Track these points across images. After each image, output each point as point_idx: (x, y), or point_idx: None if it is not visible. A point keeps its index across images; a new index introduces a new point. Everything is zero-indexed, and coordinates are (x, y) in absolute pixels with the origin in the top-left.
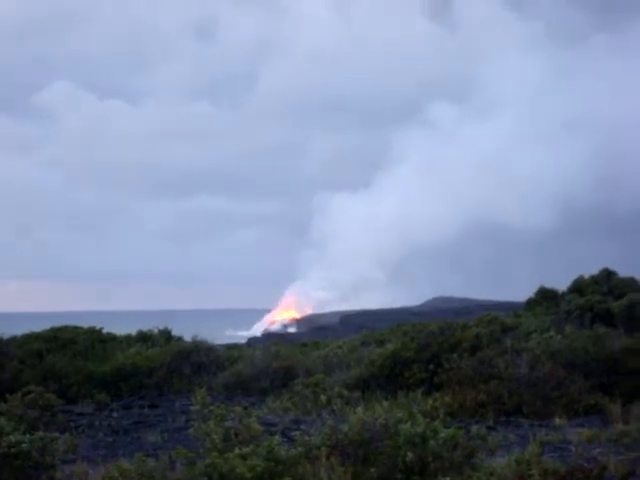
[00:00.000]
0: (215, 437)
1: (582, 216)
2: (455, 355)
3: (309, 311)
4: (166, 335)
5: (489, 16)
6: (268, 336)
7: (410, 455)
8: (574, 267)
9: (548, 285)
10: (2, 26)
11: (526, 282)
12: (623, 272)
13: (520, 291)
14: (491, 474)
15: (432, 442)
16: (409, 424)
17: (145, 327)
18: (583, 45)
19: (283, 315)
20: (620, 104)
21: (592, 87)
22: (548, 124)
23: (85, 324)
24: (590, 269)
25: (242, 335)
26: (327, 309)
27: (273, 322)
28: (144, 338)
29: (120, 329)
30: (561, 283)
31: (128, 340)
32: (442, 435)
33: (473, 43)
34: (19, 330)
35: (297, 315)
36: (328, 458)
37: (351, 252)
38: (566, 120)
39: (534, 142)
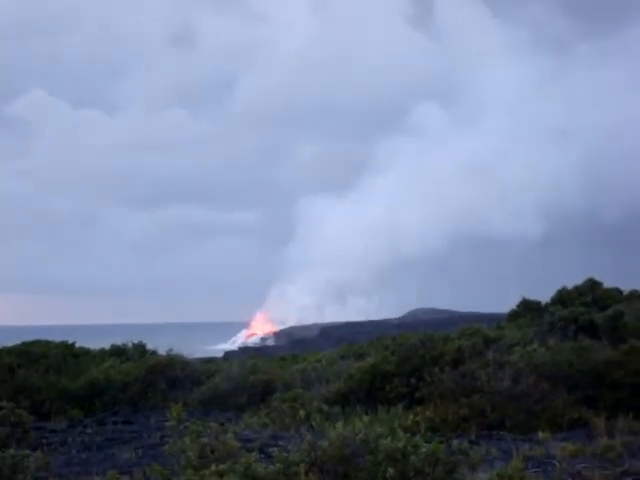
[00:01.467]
0: (191, 454)
1: (568, 224)
2: (437, 368)
3: (289, 323)
4: (140, 349)
5: (472, 23)
6: (245, 350)
7: (391, 471)
8: (560, 277)
9: (533, 296)
10: None
11: (511, 293)
12: (610, 280)
13: (505, 302)
14: None
15: (413, 457)
16: (390, 439)
17: (120, 341)
18: (568, 52)
19: (261, 328)
20: (606, 111)
21: (578, 94)
22: (534, 131)
23: (57, 338)
24: (576, 278)
25: (220, 349)
26: (308, 318)
27: (251, 335)
28: (118, 352)
29: (94, 343)
30: (547, 293)
31: (102, 354)
32: (423, 450)
33: (457, 50)
34: None
35: (274, 328)
36: (307, 475)
37: (333, 261)
38: (552, 127)
39: (520, 149)
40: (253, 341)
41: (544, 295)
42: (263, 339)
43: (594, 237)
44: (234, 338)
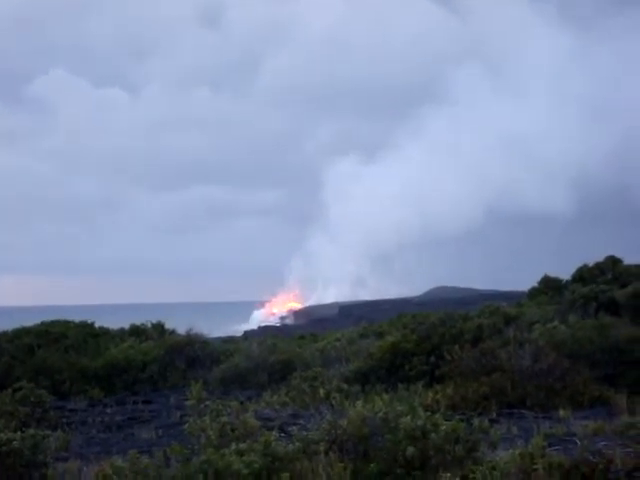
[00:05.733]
0: (211, 433)
1: (600, 202)
2: (457, 347)
3: (310, 301)
4: (159, 329)
5: (501, 2)
6: (265, 329)
7: (411, 449)
8: (588, 254)
9: (558, 274)
10: (5, 16)
11: (536, 271)
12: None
13: (529, 280)
14: (494, 468)
15: (433, 435)
16: (410, 418)
17: (139, 321)
18: (599, 26)
19: (281, 307)
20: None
21: (611, 69)
22: (566, 105)
23: (77, 318)
24: (602, 257)
25: (239, 328)
26: (327, 298)
27: (271, 314)
28: (137, 332)
29: (113, 323)
30: (572, 271)
31: (121, 334)
32: (443, 428)
33: (485, 26)
34: (14, 324)
35: (295, 307)
36: (327, 454)
37: (357, 238)
38: (585, 101)
39: (552, 122)
40: (272, 320)
41: (570, 273)
42: (282, 318)
43: (625, 216)
44: (253, 317)
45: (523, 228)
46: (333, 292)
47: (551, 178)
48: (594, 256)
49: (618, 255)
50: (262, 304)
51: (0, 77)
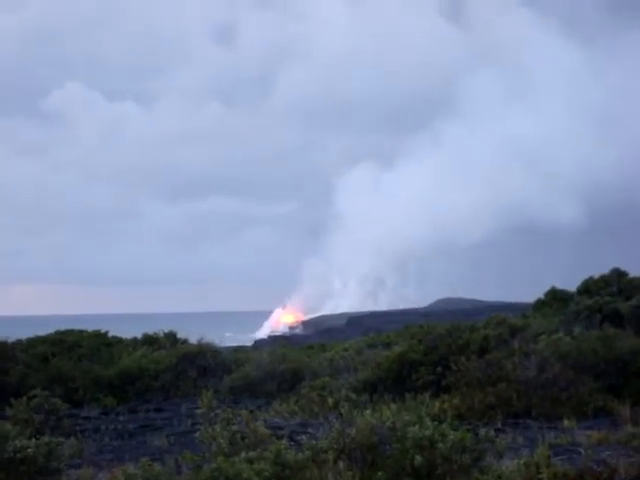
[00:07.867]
0: (221, 441)
1: (609, 215)
2: (463, 357)
3: (320, 311)
4: (172, 338)
5: (503, 14)
6: (275, 338)
7: (418, 458)
8: (596, 268)
9: (562, 286)
10: (23, 30)
11: (544, 282)
12: None
13: (535, 292)
14: (499, 477)
15: (441, 445)
16: (417, 427)
17: (152, 330)
18: (599, 42)
19: (290, 317)
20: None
21: (622, 81)
22: (578, 118)
23: (90, 327)
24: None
25: (249, 337)
26: (339, 307)
27: (280, 324)
28: (150, 341)
29: (126, 332)
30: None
31: (134, 343)
32: (451, 438)
33: (492, 39)
34: (30, 334)
35: (304, 317)
36: (335, 462)
37: (366, 249)
38: (595, 114)
39: (563, 136)
40: (282, 330)
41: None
42: (292, 328)
43: (635, 229)
44: (263, 327)
45: (533, 240)
46: (344, 301)
47: (562, 191)
48: (603, 269)
49: (625, 268)
50: (272, 314)
51: (19, 90)
